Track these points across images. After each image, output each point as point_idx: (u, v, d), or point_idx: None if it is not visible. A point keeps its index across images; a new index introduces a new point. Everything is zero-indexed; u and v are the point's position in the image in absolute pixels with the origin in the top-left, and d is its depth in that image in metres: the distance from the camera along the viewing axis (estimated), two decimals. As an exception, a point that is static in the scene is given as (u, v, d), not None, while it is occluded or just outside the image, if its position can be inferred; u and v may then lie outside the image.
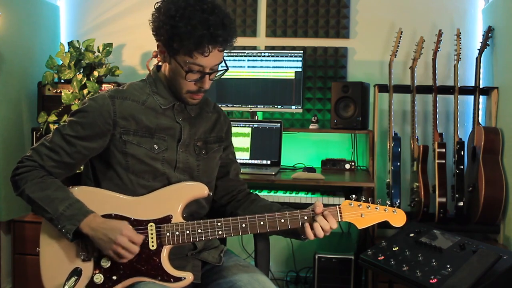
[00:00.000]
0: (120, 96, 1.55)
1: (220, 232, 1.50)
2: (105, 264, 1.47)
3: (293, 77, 2.94)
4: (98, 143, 1.53)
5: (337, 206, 1.53)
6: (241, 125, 2.85)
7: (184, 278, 1.48)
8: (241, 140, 2.83)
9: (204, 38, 1.42)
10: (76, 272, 1.47)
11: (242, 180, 1.81)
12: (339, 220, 1.53)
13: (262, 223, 1.51)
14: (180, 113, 1.61)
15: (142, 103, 1.57)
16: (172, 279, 1.47)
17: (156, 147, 1.55)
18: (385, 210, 1.55)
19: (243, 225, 1.50)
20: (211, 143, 1.68)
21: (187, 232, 1.49)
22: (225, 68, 1.57)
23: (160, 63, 1.62)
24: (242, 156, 2.81)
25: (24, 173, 1.50)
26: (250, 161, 2.81)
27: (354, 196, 1.57)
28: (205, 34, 1.41)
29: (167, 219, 1.50)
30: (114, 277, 1.46)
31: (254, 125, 2.85)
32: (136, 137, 1.54)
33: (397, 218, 1.56)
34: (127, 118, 1.53)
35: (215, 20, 1.42)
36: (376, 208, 1.55)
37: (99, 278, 1.46)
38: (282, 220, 1.51)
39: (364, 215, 1.54)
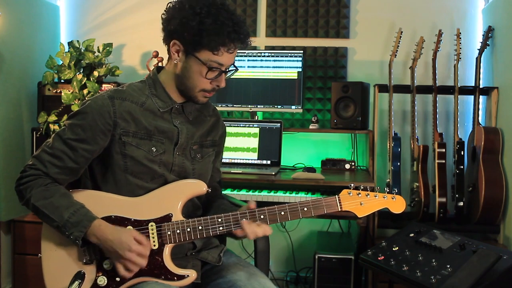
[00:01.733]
0: (119, 96, 1.54)
1: (221, 228, 1.51)
2: (108, 266, 1.47)
3: (293, 77, 2.94)
4: (100, 145, 1.52)
5: (336, 196, 1.54)
6: (241, 125, 2.84)
7: (188, 275, 1.48)
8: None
9: (231, 35, 1.47)
10: (79, 276, 1.47)
11: (218, 187, 1.82)
12: (339, 209, 1.53)
13: (262, 216, 1.52)
14: (178, 117, 1.61)
15: (140, 105, 1.56)
16: (175, 277, 1.48)
17: (154, 150, 1.55)
18: (384, 197, 1.56)
19: (244, 220, 1.51)
20: (207, 147, 1.69)
21: (188, 229, 1.50)
22: (235, 68, 1.60)
23: (160, 64, 1.62)
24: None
25: (29, 182, 1.48)
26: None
27: (352, 185, 1.57)
28: (231, 31, 1.47)
29: (167, 217, 1.51)
30: (118, 279, 1.46)
31: (255, 125, 2.85)
32: (135, 139, 1.53)
33: (397, 204, 1.56)
34: (127, 119, 1.53)
35: (237, 19, 1.49)
36: (375, 196, 1.55)
37: (102, 280, 1.46)
38: (282, 213, 1.52)
39: (363, 203, 1.54)
